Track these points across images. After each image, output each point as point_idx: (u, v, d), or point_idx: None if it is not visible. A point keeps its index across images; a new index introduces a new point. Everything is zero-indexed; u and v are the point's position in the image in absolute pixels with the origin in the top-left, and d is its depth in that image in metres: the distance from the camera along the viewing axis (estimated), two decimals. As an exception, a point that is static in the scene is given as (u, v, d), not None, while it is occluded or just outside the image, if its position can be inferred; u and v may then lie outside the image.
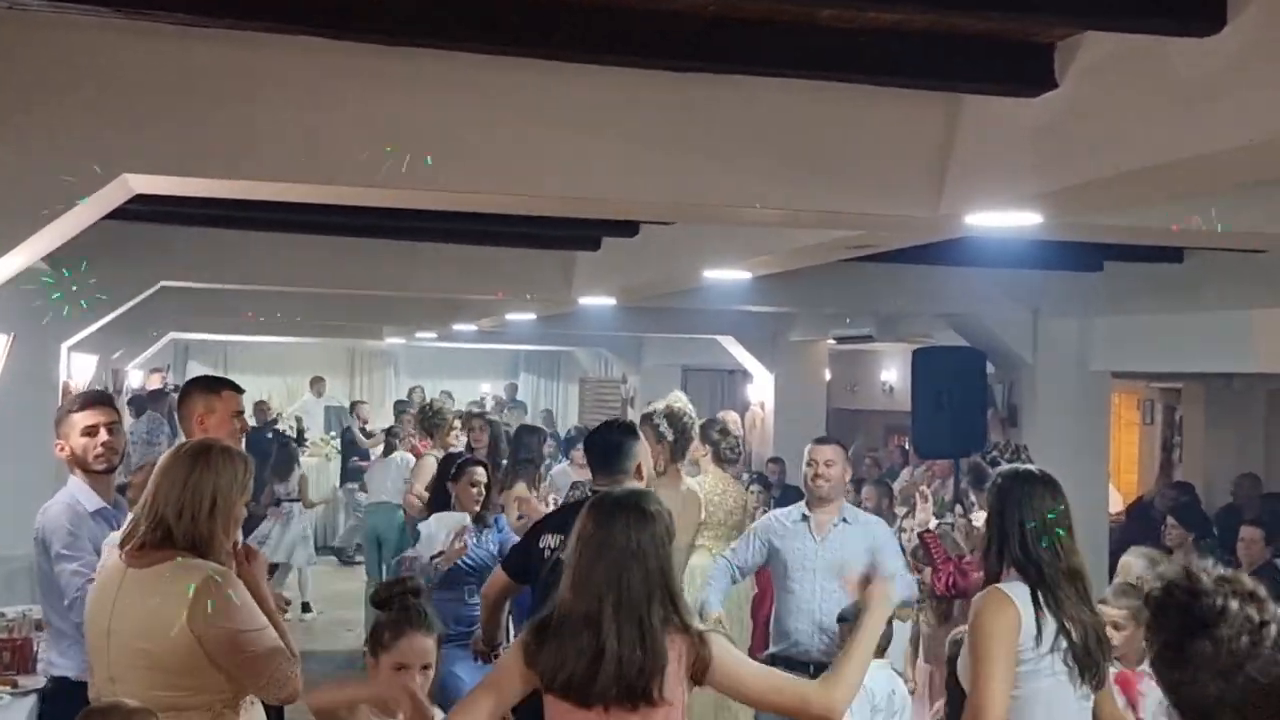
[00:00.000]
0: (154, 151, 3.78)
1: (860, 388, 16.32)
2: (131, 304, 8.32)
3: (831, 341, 13.26)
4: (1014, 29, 3.67)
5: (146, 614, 3.02)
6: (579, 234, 7.60)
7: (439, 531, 6.11)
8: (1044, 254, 7.51)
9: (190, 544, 3.08)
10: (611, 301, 9.13)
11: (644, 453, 4.63)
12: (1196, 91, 3.25)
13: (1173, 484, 10.54)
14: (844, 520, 5.47)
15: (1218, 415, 11.56)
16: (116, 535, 3.55)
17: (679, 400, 6.34)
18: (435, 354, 20.70)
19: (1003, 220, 4.44)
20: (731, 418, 12.80)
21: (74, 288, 7.33)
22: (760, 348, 13.00)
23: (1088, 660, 3.45)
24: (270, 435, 13.53)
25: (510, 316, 11.60)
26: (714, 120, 4.18)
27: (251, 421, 13.59)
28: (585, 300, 8.88)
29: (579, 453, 8.34)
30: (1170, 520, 8.09)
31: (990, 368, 9.06)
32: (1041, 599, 3.46)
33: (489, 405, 17.81)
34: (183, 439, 3.83)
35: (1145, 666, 4.31)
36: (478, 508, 6.23)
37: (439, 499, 6.55)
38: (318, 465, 15.19)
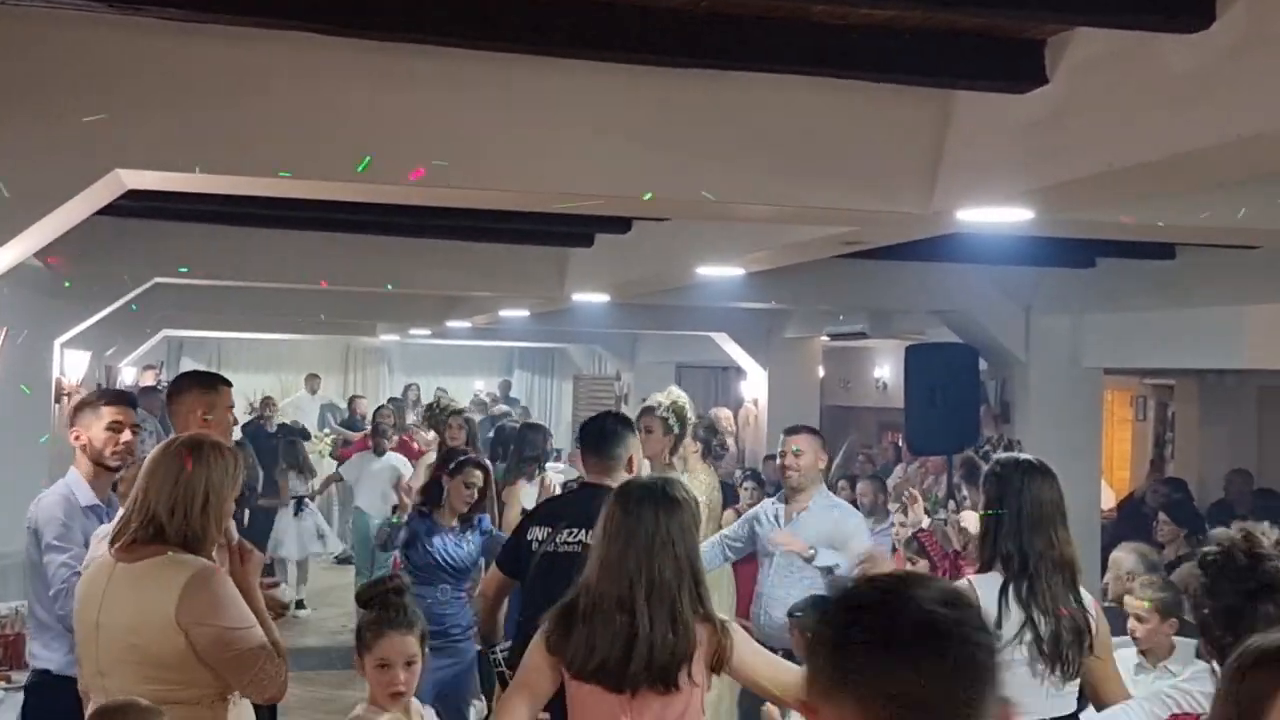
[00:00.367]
0: (147, 146, 3.78)
1: (853, 384, 16.34)
2: (124, 300, 8.31)
3: (825, 338, 13.28)
4: (1005, 25, 3.69)
5: (136, 608, 3.02)
6: (572, 230, 7.60)
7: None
8: (1036, 251, 7.52)
9: (182, 540, 3.08)
10: (605, 298, 9.14)
11: (636, 446, 4.66)
12: (1186, 87, 3.26)
13: (1165, 480, 10.57)
14: (808, 508, 5.49)
15: (1210, 411, 11.59)
16: (105, 529, 3.55)
17: (680, 395, 6.38)
18: (429, 351, 20.69)
19: (994, 216, 4.45)
20: (723, 414, 12.90)
21: (66, 284, 7.36)
22: (754, 345, 13.01)
23: (1055, 652, 3.50)
24: (277, 431, 13.54)
25: (504, 313, 11.60)
26: (707, 116, 4.19)
27: (247, 417, 13.66)
28: (579, 297, 8.88)
29: (575, 454, 8.37)
30: (1162, 516, 8.11)
31: (983, 364, 9.07)
32: (1011, 592, 3.51)
33: (486, 401, 17.83)
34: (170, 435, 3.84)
35: None
36: (466, 508, 6.24)
37: (433, 491, 6.54)
38: (313, 461, 15.17)
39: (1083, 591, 3.67)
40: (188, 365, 18.52)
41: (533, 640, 3.24)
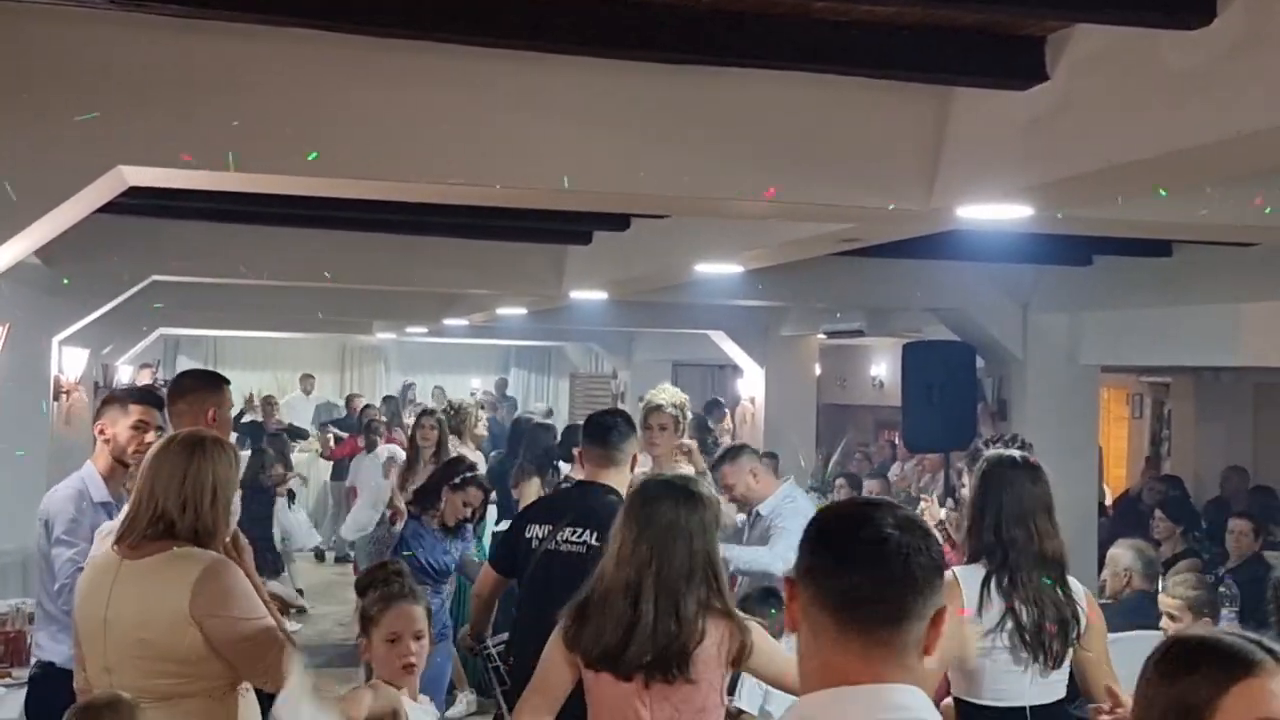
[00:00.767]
0: (149, 143, 3.78)
1: (850, 382, 16.36)
2: (123, 298, 8.31)
3: (822, 336, 13.29)
4: (1005, 22, 3.70)
5: (147, 603, 3.03)
6: (570, 228, 7.61)
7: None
8: (1034, 248, 7.53)
9: (193, 535, 3.10)
10: (603, 296, 9.14)
11: (637, 445, 4.65)
12: (1186, 84, 3.27)
13: (1161, 477, 10.59)
14: (758, 514, 5.50)
15: (1206, 409, 11.61)
16: (108, 525, 3.56)
17: (678, 392, 6.43)
18: (426, 349, 20.69)
19: (994, 213, 4.45)
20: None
21: (65, 281, 7.36)
22: (751, 343, 13.02)
23: (1038, 641, 3.59)
24: (275, 431, 13.61)
25: (501, 311, 11.60)
26: (707, 112, 4.19)
27: (254, 416, 13.71)
28: (576, 294, 8.89)
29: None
30: (1159, 514, 8.13)
31: (980, 362, 9.09)
32: (993, 583, 3.61)
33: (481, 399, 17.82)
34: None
35: None
36: (453, 523, 6.27)
37: (427, 498, 6.52)
38: (308, 460, 15.17)
39: (1072, 583, 3.74)
40: (184, 363, 18.52)
41: (550, 638, 3.27)
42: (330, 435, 14.93)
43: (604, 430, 4.44)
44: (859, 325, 11.71)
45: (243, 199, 5.74)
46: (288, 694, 2.78)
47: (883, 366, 15.50)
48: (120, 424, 4.18)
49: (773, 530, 5.43)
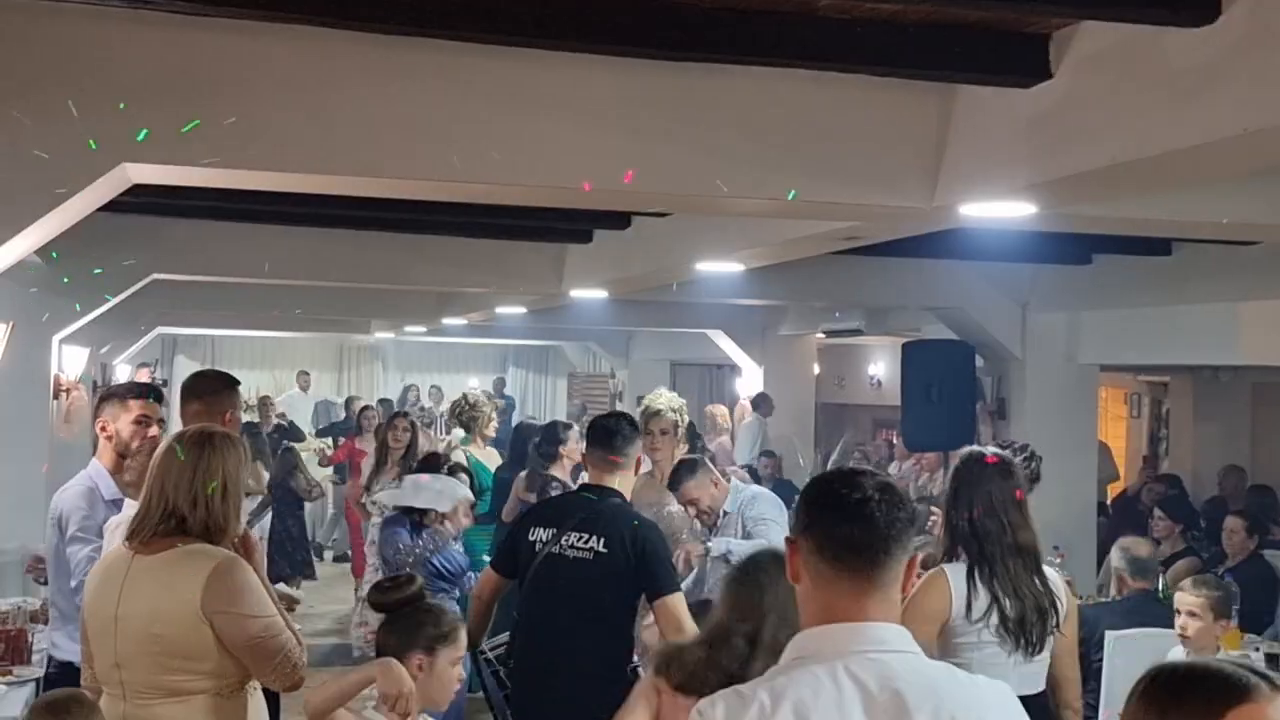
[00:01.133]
0: (153, 140, 3.78)
1: (848, 382, 16.37)
2: (123, 296, 8.30)
3: (820, 335, 13.30)
4: (1009, 19, 3.70)
5: (158, 599, 3.03)
6: (571, 226, 7.61)
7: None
8: (1033, 247, 7.55)
9: (204, 531, 3.10)
10: (603, 294, 9.15)
11: (640, 449, 4.63)
12: (1191, 82, 3.27)
13: (1160, 476, 10.60)
14: (725, 513, 5.51)
15: (1204, 408, 11.62)
16: (115, 520, 3.55)
17: (675, 396, 6.44)
18: (424, 349, 20.70)
19: (997, 211, 4.45)
20: (720, 411, 12.93)
21: (65, 280, 7.35)
22: (749, 342, 13.04)
23: (1020, 629, 3.68)
24: (273, 431, 13.54)
25: (500, 310, 11.61)
26: (711, 110, 4.19)
27: (250, 417, 13.66)
28: (576, 293, 8.89)
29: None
30: (1158, 512, 8.14)
31: (979, 361, 9.10)
32: (977, 575, 3.71)
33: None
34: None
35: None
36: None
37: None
38: (307, 459, 15.13)
39: (1048, 571, 3.84)
40: (182, 363, 18.51)
41: (641, 681, 3.22)
42: (323, 446, 14.84)
43: (609, 434, 4.41)
44: (858, 324, 11.72)
45: (241, 197, 5.72)
46: None
47: (880, 366, 15.51)
48: (122, 420, 4.19)
49: (756, 526, 5.44)
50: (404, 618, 3.30)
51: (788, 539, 2.14)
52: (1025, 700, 3.64)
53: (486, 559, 6.25)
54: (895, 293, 9.14)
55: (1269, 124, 3.06)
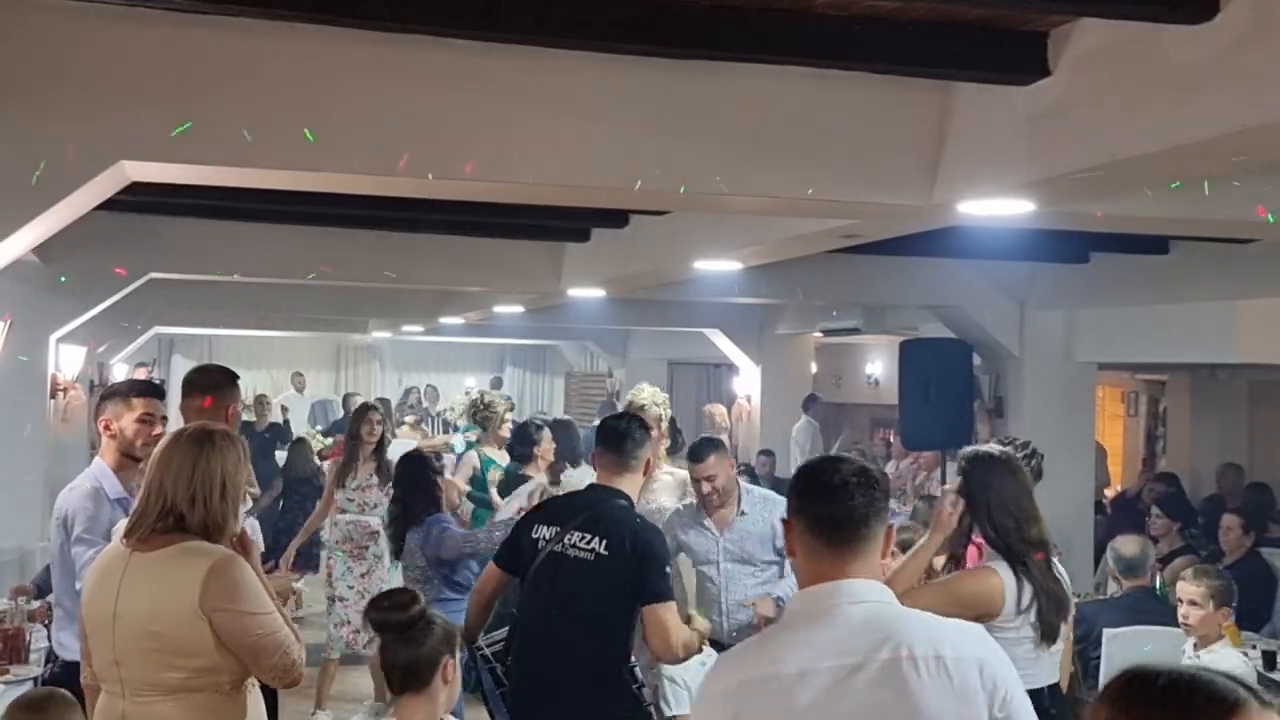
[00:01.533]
0: (151, 139, 3.78)
1: (845, 381, 16.38)
2: (119, 295, 8.30)
3: (818, 334, 13.30)
4: (1007, 17, 3.70)
5: (157, 597, 3.03)
6: (568, 225, 7.61)
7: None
8: (1031, 246, 7.56)
9: (202, 529, 3.09)
10: (601, 293, 9.15)
11: (650, 450, 4.61)
12: (1189, 79, 3.28)
13: (1158, 475, 10.61)
14: (742, 512, 5.49)
15: (1202, 406, 11.63)
16: (123, 523, 3.54)
17: (656, 390, 6.45)
18: (421, 348, 20.70)
19: (995, 209, 4.46)
20: (718, 410, 12.93)
21: (61, 279, 7.34)
22: (747, 341, 13.04)
23: (1050, 621, 3.73)
24: (267, 429, 13.48)
25: (498, 309, 11.61)
26: (709, 107, 4.19)
27: (249, 416, 13.62)
28: (574, 292, 8.89)
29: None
30: (1155, 510, 8.15)
31: (977, 359, 9.11)
32: (1019, 571, 3.73)
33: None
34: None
35: None
36: (451, 510, 6.31)
37: (419, 498, 6.42)
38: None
39: (1054, 562, 3.88)
40: (179, 362, 18.48)
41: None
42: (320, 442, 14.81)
43: (619, 437, 4.37)
44: (855, 323, 11.71)
45: (238, 196, 5.71)
46: None
47: (878, 365, 15.52)
48: (125, 418, 4.17)
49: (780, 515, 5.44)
50: (420, 631, 3.28)
51: (783, 519, 2.49)
52: (1054, 688, 3.74)
53: None
54: (893, 291, 9.14)
55: (1267, 120, 3.07)
